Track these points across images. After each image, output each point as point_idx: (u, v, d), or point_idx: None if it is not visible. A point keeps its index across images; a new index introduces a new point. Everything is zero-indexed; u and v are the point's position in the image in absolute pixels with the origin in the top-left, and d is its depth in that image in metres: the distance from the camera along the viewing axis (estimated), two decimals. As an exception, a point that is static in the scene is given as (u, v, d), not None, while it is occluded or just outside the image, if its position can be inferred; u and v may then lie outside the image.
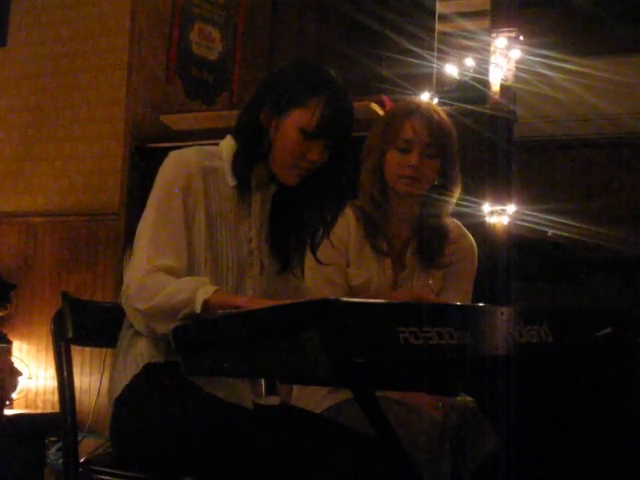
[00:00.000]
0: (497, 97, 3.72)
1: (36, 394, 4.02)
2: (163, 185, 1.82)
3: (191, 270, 1.79)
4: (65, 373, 1.91)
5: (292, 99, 1.82)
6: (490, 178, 3.33)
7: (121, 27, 4.09)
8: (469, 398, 1.99)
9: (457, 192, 2.27)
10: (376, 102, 3.35)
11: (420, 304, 1.60)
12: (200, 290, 1.65)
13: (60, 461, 3.37)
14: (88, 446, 3.37)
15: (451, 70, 3.82)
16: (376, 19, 5.01)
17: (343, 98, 1.84)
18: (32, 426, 3.76)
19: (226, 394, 1.75)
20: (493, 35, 3.88)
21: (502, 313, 1.44)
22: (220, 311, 1.62)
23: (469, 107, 3.33)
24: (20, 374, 3.86)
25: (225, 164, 1.88)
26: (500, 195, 3.35)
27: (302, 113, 1.81)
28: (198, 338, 1.54)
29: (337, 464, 1.58)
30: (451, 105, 3.36)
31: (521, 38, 3.84)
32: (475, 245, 2.34)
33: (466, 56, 3.84)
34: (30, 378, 4.01)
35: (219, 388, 1.75)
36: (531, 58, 3.89)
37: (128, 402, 1.78)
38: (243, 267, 1.87)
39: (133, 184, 3.95)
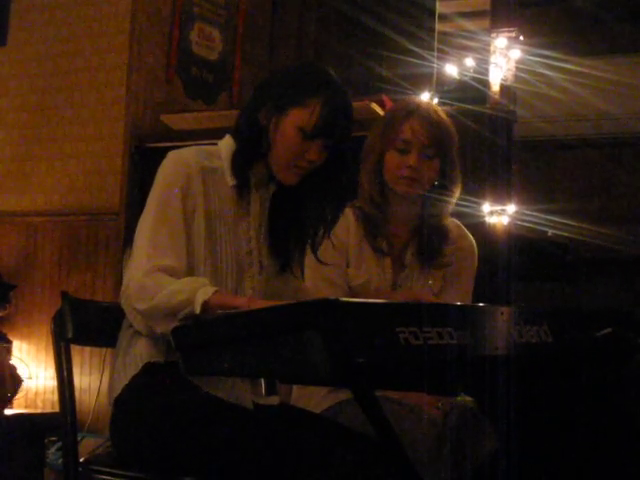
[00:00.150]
0: (497, 97, 3.71)
1: (36, 394, 4.02)
2: (162, 185, 1.82)
3: (190, 270, 1.79)
4: (65, 373, 1.91)
5: (291, 99, 1.82)
6: (490, 178, 3.32)
7: (121, 27, 4.09)
8: (469, 398, 2.00)
9: (457, 192, 2.27)
10: (376, 102, 3.35)
11: (420, 304, 1.60)
12: (200, 291, 1.65)
13: (60, 461, 3.37)
14: (88, 446, 3.36)
15: (451, 70, 3.82)
16: (376, 19, 5.00)
17: (342, 98, 1.84)
18: (32, 426, 3.76)
19: (226, 394, 1.76)
20: (493, 35, 3.87)
21: (502, 313, 1.45)
22: (220, 311, 1.62)
23: (469, 107, 3.33)
24: (21, 381, 3.85)
25: (224, 164, 1.88)
26: (500, 195, 3.35)
27: (301, 113, 1.81)
28: (198, 338, 1.54)
29: (337, 464, 1.58)
30: (451, 105, 3.36)
31: (521, 38, 3.84)
32: (475, 245, 2.34)
33: (466, 56, 3.84)
34: (30, 378, 4.01)
35: (219, 388, 1.75)
36: (531, 58, 3.89)
37: (128, 402, 1.78)
38: (242, 267, 1.87)
39: (133, 184, 3.95)
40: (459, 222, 2.35)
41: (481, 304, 1.52)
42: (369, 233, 2.23)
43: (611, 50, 4.89)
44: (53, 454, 3.64)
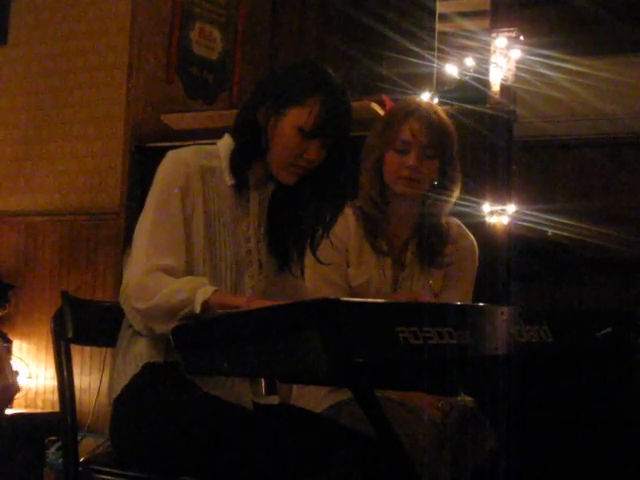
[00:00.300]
0: (497, 97, 3.71)
1: (36, 393, 4.02)
2: (161, 185, 1.82)
3: (189, 269, 1.79)
4: (65, 373, 1.91)
5: (290, 98, 1.82)
6: (490, 178, 3.32)
7: (121, 27, 4.09)
8: (469, 398, 2.00)
9: (457, 192, 2.27)
10: (376, 102, 3.35)
11: (420, 304, 1.60)
12: (199, 290, 1.65)
13: (60, 461, 3.37)
14: (88, 446, 3.36)
15: (451, 70, 3.82)
16: (376, 19, 5.00)
17: (341, 97, 1.84)
18: (32, 426, 3.76)
19: (226, 394, 1.75)
20: (493, 35, 3.87)
21: (502, 313, 1.45)
22: (219, 311, 1.62)
23: (469, 107, 3.33)
24: (18, 390, 3.82)
25: (223, 163, 1.88)
26: (500, 195, 3.35)
27: (300, 112, 1.81)
28: (198, 338, 1.54)
29: (337, 464, 1.58)
30: (451, 105, 3.36)
31: (521, 38, 3.84)
32: (476, 245, 2.33)
33: (466, 56, 3.84)
34: (30, 378, 4.01)
35: (219, 388, 1.75)
36: (531, 58, 3.89)
37: (128, 402, 1.78)
38: (241, 266, 1.87)
39: (133, 184, 3.95)
40: (459, 222, 2.35)
41: (481, 304, 1.52)
42: (369, 233, 2.23)
43: (611, 50, 4.89)
44: (53, 454, 3.63)
